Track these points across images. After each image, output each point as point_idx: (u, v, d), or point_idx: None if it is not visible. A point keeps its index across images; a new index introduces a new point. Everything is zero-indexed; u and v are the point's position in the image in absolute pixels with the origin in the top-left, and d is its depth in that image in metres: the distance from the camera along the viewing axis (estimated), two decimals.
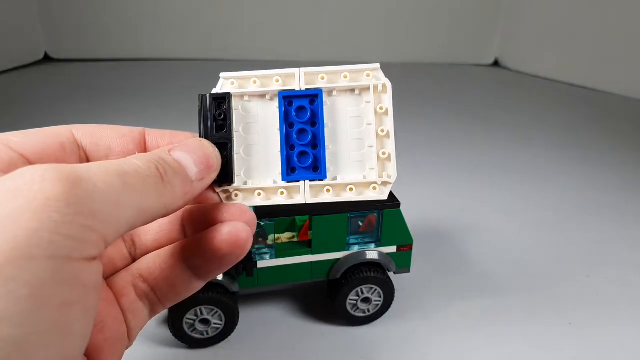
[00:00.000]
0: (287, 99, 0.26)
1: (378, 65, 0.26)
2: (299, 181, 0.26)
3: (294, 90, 0.26)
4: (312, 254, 0.47)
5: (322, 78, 0.26)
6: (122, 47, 1.45)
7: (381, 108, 0.26)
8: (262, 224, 0.44)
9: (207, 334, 0.46)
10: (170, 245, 0.26)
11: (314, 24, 1.46)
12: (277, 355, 0.47)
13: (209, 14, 1.44)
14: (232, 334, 0.48)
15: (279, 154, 0.26)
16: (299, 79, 0.26)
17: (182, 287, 0.26)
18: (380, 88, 0.26)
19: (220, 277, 0.45)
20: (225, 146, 0.25)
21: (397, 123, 0.27)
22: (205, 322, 0.46)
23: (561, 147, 0.93)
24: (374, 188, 0.26)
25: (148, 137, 0.26)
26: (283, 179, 0.26)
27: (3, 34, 1.31)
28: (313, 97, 0.26)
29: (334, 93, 0.27)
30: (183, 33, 1.45)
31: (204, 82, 1.27)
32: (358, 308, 0.49)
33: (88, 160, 0.25)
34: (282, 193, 0.26)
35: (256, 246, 0.45)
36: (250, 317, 0.51)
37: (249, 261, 0.45)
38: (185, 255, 0.25)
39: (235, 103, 0.26)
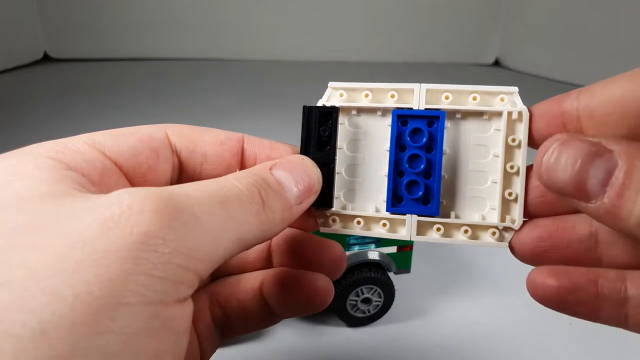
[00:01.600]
0: (402, 117, 0.23)
1: (516, 89, 0.23)
2: (405, 214, 0.23)
3: (412, 109, 0.23)
4: None
5: (447, 98, 0.23)
6: (122, 47, 1.45)
7: (513, 140, 0.22)
8: None
9: None
10: (252, 275, 0.25)
11: (313, 24, 1.46)
12: (277, 355, 0.47)
13: (209, 13, 1.44)
14: None
15: (385, 178, 0.23)
16: (418, 97, 0.23)
17: (256, 321, 0.25)
18: (515, 116, 0.22)
19: None
20: (327, 166, 0.23)
21: None
22: None
23: None
24: (494, 233, 0.23)
25: (246, 145, 0.24)
26: (387, 209, 0.23)
27: (3, 34, 1.31)
28: (433, 118, 0.23)
29: (457, 115, 0.23)
30: (183, 33, 1.45)
31: (204, 82, 1.27)
32: (358, 308, 0.49)
33: (181, 167, 0.24)
34: (384, 225, 0.23)
35: None
36: None
37: None
38: (265, 292, 0.24)
39: (341, 117, 0.24)
